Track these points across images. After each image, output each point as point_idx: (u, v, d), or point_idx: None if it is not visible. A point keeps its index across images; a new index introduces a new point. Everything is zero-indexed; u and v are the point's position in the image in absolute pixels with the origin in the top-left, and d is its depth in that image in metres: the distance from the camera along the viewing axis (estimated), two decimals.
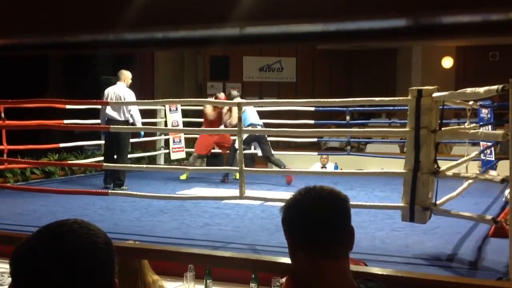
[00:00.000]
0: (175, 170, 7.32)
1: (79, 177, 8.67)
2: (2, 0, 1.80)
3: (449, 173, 4.49)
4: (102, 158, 8.49)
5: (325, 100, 5.56)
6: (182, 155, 8.88)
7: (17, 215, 5.40)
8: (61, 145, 7.95)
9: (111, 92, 7.32)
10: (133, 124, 7.20)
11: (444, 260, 4.10)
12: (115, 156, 7.18)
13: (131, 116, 7.24)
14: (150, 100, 7.46)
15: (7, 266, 1.14)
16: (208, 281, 4.22)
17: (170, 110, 8.65)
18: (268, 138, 8.28)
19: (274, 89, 12.91)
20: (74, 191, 6.08)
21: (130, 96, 7.30)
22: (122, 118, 7.17)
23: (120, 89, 7.31)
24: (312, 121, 8.79)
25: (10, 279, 1.13)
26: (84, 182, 8.07)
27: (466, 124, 5.73)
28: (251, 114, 7.35)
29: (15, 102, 6.44)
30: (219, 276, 4.26)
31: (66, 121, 7.32)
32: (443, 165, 4.42)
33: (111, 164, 6.77)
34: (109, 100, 7.06)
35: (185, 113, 9.22)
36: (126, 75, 7.47)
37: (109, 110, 7.17)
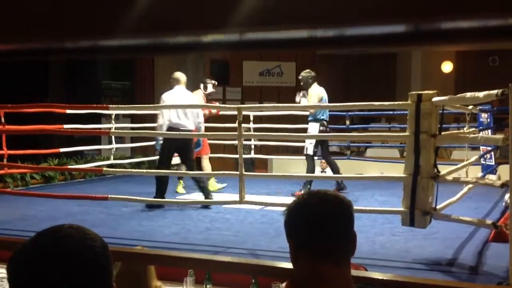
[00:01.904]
0: (175, 174, 7.31)
1: (79, 182, 8.67)
2: (1, 5, 1.81)
3: (449, 177, 4.49)
4: (102, 163, 8.50)
5: (325, 104, 5.57)
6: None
7: (17, 220, 5.39)
8: (61, 150, 7.94)
9: (179, 98, 6.59)
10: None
11: (444, 265, 4.09)
12: (183, 164, 6.82)
13: (199, 124, 6.69)
14: (151, 105, 7.46)
15: (4, 271, 1.14)
16: (208, 286, 4.22)
17: None
18: (268, 143, 8.30)
19: (274, 94, 12.92)
20: (74, 196, 6.07)
21: (199, 101, 7.08)
22: (193, 127, 6.61)
23: (189, 94, 6.84)
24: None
25: (7, 285, 1.13)
26: (84, 187, 8.07)
27: (465, 128, 5.74)
28: None
29: (15, 107, 6.44)
30: (219, 281, 4.26)
31: (66, 126, 7.33)
32: (443, 169, 4.42)
33: (111, 169, 6.76)
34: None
35: None
36: (185, 78, 6.95)
37: (175, 118, 6.51)
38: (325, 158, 7.35)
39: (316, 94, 7.04)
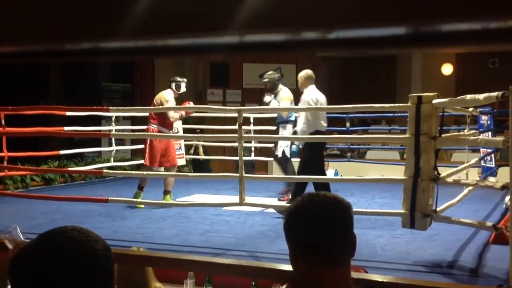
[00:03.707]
0: (175, 176, 7.31)
1: (80, 184, 8.67)
2: (2, 8, 1.81)
3: (450, 179, 4.49)
4: (102, 165, 8.50)
5: (325, 106, 5.57)
6: (183, 161, 8.86)
7: (17, 222, 5.35)
8: (61, 152, 7.95)
9: (321, 98, 6.10)
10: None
11: (444, 267, 4.09)
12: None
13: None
14: (151, 108, 7.45)
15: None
16: None
17: None
18: (268, 145, 8.28)
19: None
20: (74, 198, 6.07)
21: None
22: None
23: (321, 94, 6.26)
24: None
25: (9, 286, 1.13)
26: (84, 189, 8.07)
27: (466, 130, 5.74)
28: None
29: (15, 109, 6.45)
30: (219, 283, 4.25)
31: (66, 128, 7.33)
32: (443, 171, 4.42)
33: (112, 171, 6.77)
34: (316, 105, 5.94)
35: (185, 120, 9.21)
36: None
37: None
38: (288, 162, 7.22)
39: (288, 97, 6.94)
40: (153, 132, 6.68)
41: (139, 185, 6.65)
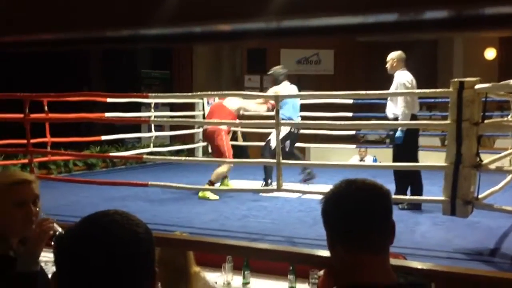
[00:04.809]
0: (213, 162, 7.37)
1: (120, 169, 8.84)
2: None
3: (492, 166, 4.40)
4: (142, 150, 8.63)
5: (364, 92, 5.50)
6: None
7: (61, 206, 5.53)
8: (103, 137, 8.10)
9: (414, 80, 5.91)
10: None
11: (486, 254, 4.02)
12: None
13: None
14: (189, 93, 7.52)
15: (51, 255, 1.18)
16: (246, 272, 4.26)
17: (208, 103, 8.71)
18: (306, 131, 8.24)
19: (311, 82, 12.82)
20: (115, 182, 6.19)
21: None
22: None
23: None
24: (350, 114, 8.72)
25: (54, 267, 1.16)
26: (125, 174, 8.22)
27: (509, 116, 5.59)
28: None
29: (58, 96, 6.59)
30: (257, 267, 4.29)
31: (107, 114, 7.46)
32: (486, 158, 4.32)
33: (152, 157, 6.83)
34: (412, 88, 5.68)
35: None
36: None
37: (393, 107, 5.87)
38: (293, 153, 7.11)
39: (289, 94, 6.73)
40: (223, 131, 6.69)
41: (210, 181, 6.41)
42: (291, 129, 6.81)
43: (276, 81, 6.94)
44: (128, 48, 11.06)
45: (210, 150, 7.18)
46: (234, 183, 6.90)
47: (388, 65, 5.85)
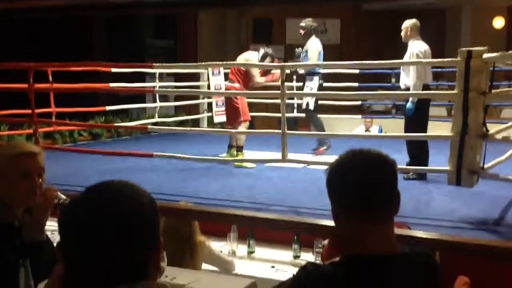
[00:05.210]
0: (218, 133, 7.36)
1: (125, 139, 8.86)
2: None
3: (498, 136, 4.37)
4: (146, 121, 8.62)
5: (370, 62, 5.44)
6: (225, 118, 8.91)
7: (66, 176, 5.55)
8: (107, 108, 8.10)
9: (428, 49, 5.67)
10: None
11: (490, 224, 4.02)
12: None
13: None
14: (193, 64, 7.47)
15: (57, 224, 1.17)
16: (250, 241, 4.29)
17: (213, 73, 8.66)
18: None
19: None
20: (120, 152, 6.20)
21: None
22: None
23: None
24: (356, 84, 8.66)
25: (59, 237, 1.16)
26: (129, 144, 8.23)
27: None
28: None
29: (62, 65, 6.56)
30: (262, 237, 4.32)
31: (112, 84, 7.43)
32: (492, 128, 4.29)
33: (156, 127, 6.81)
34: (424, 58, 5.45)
35: (227, 77, 9.22)
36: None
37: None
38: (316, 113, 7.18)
39: (316, 48, 6.88)
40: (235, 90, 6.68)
41: (237, 146, 6.53)
42: (319, 81, 6.91)
43: (309, 35, 7.01)
44: (132, 15, 10.95)
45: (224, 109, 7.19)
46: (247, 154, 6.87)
47: (402, 34, 5.77)
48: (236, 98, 6.65)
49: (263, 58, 6.69)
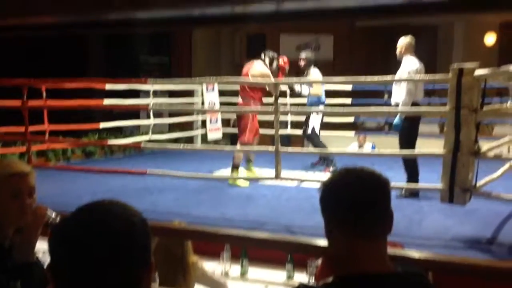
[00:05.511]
0: (212, 150, 7.36)
1: (119, 157, 8.83)
2: None
3: (490, 154, 4.38)
4: (140, 138, 8.60)
5: (362, 78, 5.46)
6: (219, 135, 8.91)
7: (58, 195, 5.52)
8: (101, 125, 8.08)
9: (421, 67, 5.75)
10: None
11: (484, 243, 4.01)
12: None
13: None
14: (187, 79, 7.48)
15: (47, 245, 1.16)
16: (244, 261, 4.26)
17: (207, 89, 8.67)
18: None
19: None
20: (113, 170, 6.18)
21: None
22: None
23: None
24: (349, 100, 8.69)
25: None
26: (123, 162, 8.20)
27: (508, 103, 5.56)
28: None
29: (56, 82, 6.55)
30: (255, 256, 4.28)
31: (106, 101, 7.41)
32: (484, 145, 4.30)
33: (150, 144, 6.78)
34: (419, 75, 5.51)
35: (221, 93, 9.22)
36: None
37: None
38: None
39: (318, 79, 7.23)
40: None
41: (233, 164, 6.46)
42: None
43: (309, 65, 7.33)
44: (126, 34, 10.99)
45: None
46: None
47: (397, 51, 5.86)
48: (248, 117, 6.53)
49: (271, 63, 6.72)
